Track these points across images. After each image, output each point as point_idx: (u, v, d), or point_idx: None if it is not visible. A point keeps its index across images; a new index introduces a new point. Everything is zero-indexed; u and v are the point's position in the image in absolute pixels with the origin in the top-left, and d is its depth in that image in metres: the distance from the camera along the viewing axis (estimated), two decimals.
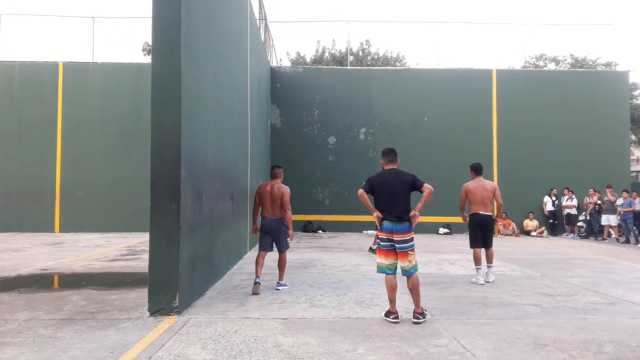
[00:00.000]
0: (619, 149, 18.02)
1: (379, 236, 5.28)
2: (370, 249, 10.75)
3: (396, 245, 5.14)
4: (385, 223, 5.19)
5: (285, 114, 18.09)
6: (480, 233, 7.68)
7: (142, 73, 16.14)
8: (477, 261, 7.61)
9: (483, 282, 7.44)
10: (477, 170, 7.91)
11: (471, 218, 7.78)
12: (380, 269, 5.29)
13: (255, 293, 6.41)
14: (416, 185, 5.24)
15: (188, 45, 5.68)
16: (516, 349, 4.24)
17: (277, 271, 7.06)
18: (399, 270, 5.25)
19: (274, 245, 6.93)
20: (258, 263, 6.77)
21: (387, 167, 5.51)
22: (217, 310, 5.51)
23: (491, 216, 7.77)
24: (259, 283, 6.57)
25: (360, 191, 5.32)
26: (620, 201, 15.16)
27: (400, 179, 5.28)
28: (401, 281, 5.38)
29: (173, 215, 5.26)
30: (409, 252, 5.15)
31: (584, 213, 16.61)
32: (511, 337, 4.57)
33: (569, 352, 4.16)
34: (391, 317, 5.09)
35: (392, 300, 5.19)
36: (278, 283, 6.92)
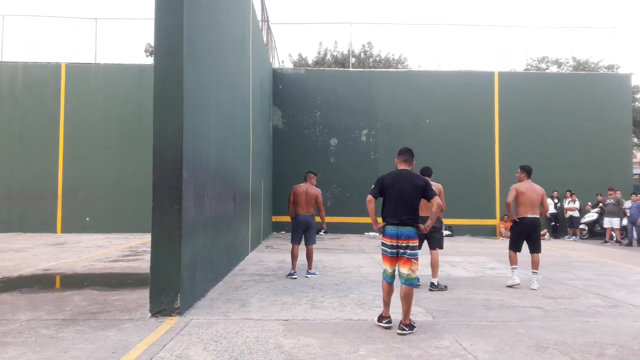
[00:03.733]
0: (621, 152, 17.99)
1: (383, 242, 5.04)
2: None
3: (401, 251, 4.87)
4: (389, 228, 4.93)
5: (287, 116, 18.11)
6: (525, 237, 7.45)
7: (145, 74, 16.20)
8: (511, 261, 7.46)
9: (519, 282, 7.30)
10: (528, 172, 7.61)
11: (519, 221, 7.45)
12: (387, 277, 5.00)
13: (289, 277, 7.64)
14: (427, 194, 4.96)
15: (190, 48, 5.69)
16: (518, 351, 4.23)
17: (277, 272, 7.08)
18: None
19: (305, 238, 8.05)
20: (293, 255, 7.98)
21: (400, 167, 5.22)
22: (219, 311, 5.51)
23: (539, 220, 7.49)
24: (295, 277, 7.66)
25: (369, 197, 5.06)
26: (628, 204, 15.08)
27: (413, 182, 5.00)
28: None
29: (175, 216, 5.26)
30: (413, 261, 4.87)
31: (593, 211, 16.56)
32: (513, 340, 4.56)
33: (571, 355, 4.15)
34: (384, 322, 4.91)
35: (387, 304, 4.98)
36: (307, 272, 7.99)
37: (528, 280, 7.39)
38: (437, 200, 4.95)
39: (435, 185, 7.09)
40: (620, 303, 6.29)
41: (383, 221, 5.02)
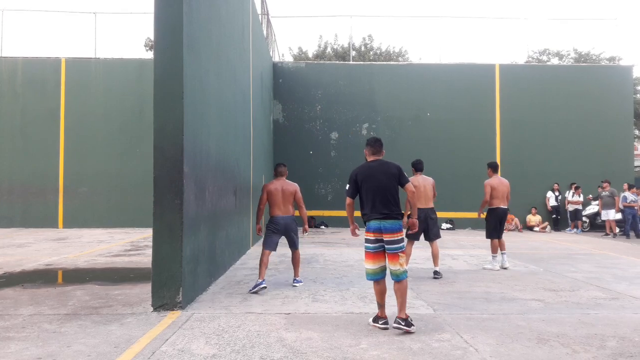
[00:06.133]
0: (623, 144, 17.95)
1: (366, 237, 4.78)
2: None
3: (386, 246, 4.67)
4: (372, 222, 4.71)
5: (287, 110, 18.08)
6: (499, 225, 8.36)
7: (145, 69, 16.16)
8: (494, 249, 8.33)
9: (499, 268, 8.25)
10: (494, 168, 8.66)
11: (493, 211, 8.39)
12: (371, 276, 4.79)
13: (254, 292, 6.20)
14: (401, 181, 4.81)
15: (190, 42, 5.68)
16: (519, 343, 4.24)
17: (279, 267, 7.07)
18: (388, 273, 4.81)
19: (288, 243, 6.86)
20: (263, 263, 6.43)
21: (371, 159, 4.99)
22: (221, 305, 5.53)
23: (507, 209, 8.55)
24: (264, 287, 6.26)
25: (348, 201, 4.91)
26: (633, 197, 15.02)
27: (386, 170, 4.81)
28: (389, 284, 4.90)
29: (176, 210, 5.27)
30: (399, 254, 4.64)
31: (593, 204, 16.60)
32: (514, 332, 4.58)
33: (571, 347, 4.16)
34: (380, 322, 4.68)
35: (381, 305, 4.77)
36: (295, 280, 6.84)
37: (501, 261, 8.36)
38: (410, 187, 4.83)
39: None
40: (621, 295, 6.30)
41: (364, 218, 4.81)
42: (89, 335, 4.36)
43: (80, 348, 4.01)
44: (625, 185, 14.98)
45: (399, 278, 4.63)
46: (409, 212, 5.21)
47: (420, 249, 9.59)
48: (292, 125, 17.99)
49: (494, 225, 8.37)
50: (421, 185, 7.59)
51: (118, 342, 4.18)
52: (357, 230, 5.03)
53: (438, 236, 7.72)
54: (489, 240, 8.42)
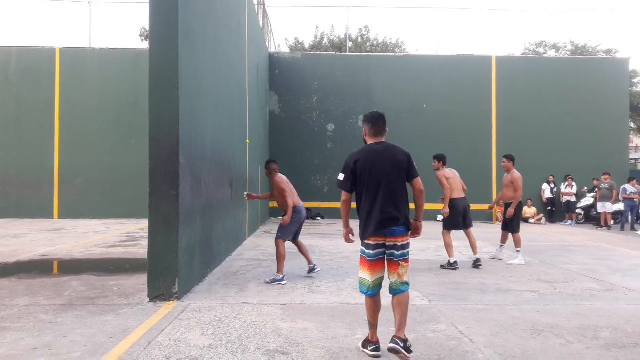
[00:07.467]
0: (619, 137, 18.02)
1: (366, 243, 3.77)
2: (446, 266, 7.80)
3: (388, 251, 3.72)
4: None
5: (283, 101, 18.02)
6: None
7: (140, 59, 16.04)
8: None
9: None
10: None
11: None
12: (367, 290, 3.75)
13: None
14: (410, 172, 3.80)
15: (186, 32, 5.63)
16: (513, 334, 4.27)
17: (273, 258, 7.07)
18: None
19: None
20: (283, 256, 6.47)
21: (372, 141, 3.91)
22: (217, 296, 5.54)
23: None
24: (285, 283, 6.33)
25: (344, 197, 3.86)
26: (633, 189, 15.05)
27: (393, 157, 3.78)
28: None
29: (172, 201, 5.26)
30: (401, 263, 3.70)
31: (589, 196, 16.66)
32: (509, 323, 4.61)
33: (565, 337, 4.19)
34: (370, 348, 3.71)
35: (373, 326, 3.80)
36: (313, 267, 6.91)
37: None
38: (420, 183, 3.84)
39: (455, 171, 8.05)
40: (615, 287, 6.35)
41: (363, 218, 3.79)
42: (85, 325, 4.37)
43: (76, 338, 4.01)
44: (634, 182, 14.90)
45: (398, 291, 3.71)
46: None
47: (418, 241, 9.59)
48: (288, 116, 17.94)
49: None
50: (454, 177, 7.94)
51: (114, 332, 4.18)
52: (351, 236, 4.02)
53: (472, 224, 8.10)
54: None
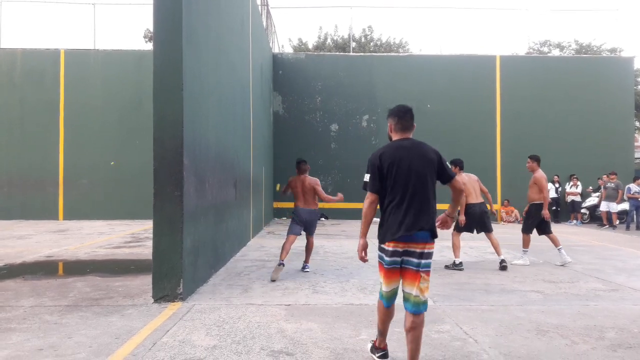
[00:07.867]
0: (623, 136, 17.93)
1: (383, 247, 3.39)
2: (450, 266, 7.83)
3: (407, 258, 3.29)
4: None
5: (287, 101, 18.03)
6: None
7: (144, 60, 16.09)
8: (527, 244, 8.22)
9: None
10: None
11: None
12: (383, 298, 3.46)
13: (273, 280, 6.45)
14: (443, 174, 3.41)
15: (189, 33, 5.65)
16: (518, 335, 4.26)
17: (278, 254, 7.08)
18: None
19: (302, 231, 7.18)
20: (285, 248, 6.82)
21: (398, 137, 3.49)
22: (221, 297, 5.55)
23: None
24: (283, 265, 6.67)
25: (370, 197, 3.40)
26: (637, 188, 14.99)
27: (423, 155, 3.35)
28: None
29: (176, 202, 5.27)
30: (423, 275, 3.26)
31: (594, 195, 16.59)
32: (513, 324, 4.59)
33: (570, 338, 4.18)
34: (378, 354, 3.59)
35: (383, 333, 3.61)
36: (305, 265, 7.32)
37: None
38: (458, 182, 3.49)
39: (472, 176, 8.04)
40: (621, 287, 6.32)
41: (384, 220, 3.40)
42: (89, 326, 4.38)
43: (81, 339, 4.02)
44: (639, 181, 14.80)
45: (417, 309, 3.24)
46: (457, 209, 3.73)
47: (479, 241, 9.57)
48: (292, 117, 17.94)
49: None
50: (469, 181, 7.92)
51: (119, 333, 4.19)
52: (364, 253, 3.54)
53: (492, 228, 8.00)
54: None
